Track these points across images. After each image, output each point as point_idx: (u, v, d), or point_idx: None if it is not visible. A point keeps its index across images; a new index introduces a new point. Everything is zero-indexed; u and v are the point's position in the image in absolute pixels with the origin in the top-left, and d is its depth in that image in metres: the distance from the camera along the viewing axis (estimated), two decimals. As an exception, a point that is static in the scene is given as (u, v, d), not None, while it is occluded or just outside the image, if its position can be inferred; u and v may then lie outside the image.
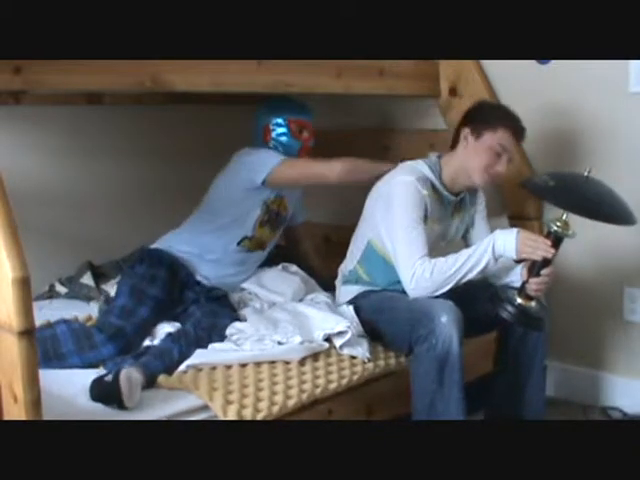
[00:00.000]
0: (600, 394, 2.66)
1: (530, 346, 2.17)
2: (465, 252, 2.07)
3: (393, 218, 2.12)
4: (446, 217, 2.26)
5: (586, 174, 1.96)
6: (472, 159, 2.16)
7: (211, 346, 2.08)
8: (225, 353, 2.04)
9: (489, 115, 2.19)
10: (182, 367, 1.96)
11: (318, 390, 1.92)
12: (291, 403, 1.85)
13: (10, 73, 1.69)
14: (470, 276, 2.05)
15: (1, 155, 2.61)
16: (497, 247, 2.02)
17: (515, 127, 2.17)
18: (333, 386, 1.96)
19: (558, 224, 1.95)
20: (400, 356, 2.19)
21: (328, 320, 2.16)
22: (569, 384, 2.69)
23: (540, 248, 1.97)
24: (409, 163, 2.23)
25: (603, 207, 1.95)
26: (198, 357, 2.00)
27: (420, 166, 2.20)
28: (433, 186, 2.19)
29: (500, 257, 2.04)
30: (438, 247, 2.26)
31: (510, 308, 2.01)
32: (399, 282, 2.13)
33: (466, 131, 2.18)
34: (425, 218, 2.13)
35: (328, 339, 2.14)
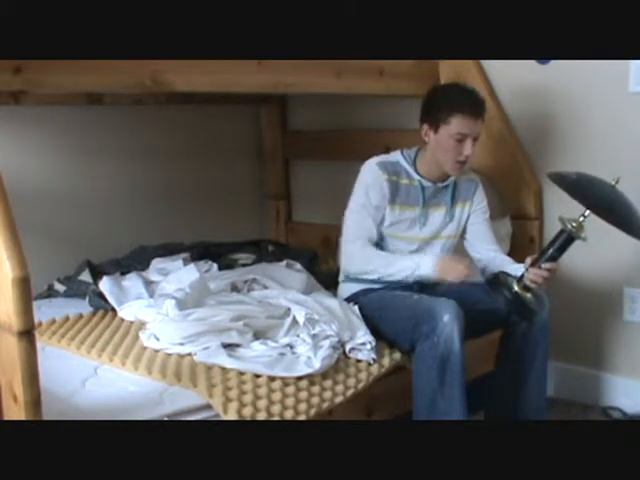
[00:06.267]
0: (600, 394, 2.66)
1: (531, 346, 2.17)
2: (395, 260, 2.18)
3: (350, 199, 2.25)
4: (421, 203, 2.24)
5: (614, 183, 1.96)
6: (438, 153, 2.18)
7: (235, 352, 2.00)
8: (242, 362, 1.95)
9: (441, 106, 2.15)
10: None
11: (325, 405, 1.88)
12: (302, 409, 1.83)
13: (10, 73, 1.70)
14: (388, 279, 2.19)
15: (1, 155, 2.62)
16: (419, 272, 2.14)
17: (469, 108, 2.12)
18: (339, 399, 1.92)
19: (573, 224, 1.96)
20: (403, 354, 2.18)
21: (352, 327, 2.12)
22: (569, 384, 2.70)
23: (458, 269, 2.09)
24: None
25: (628, 216, 1.95)
26: (211, 357, 1.95)
27: (394, 154, 2.27)
28: (406, 172, 2.24)
29: (419, 278, 2.17)
30: (423, 237, 2.27)
31: (506, 293, 2.06)
32: None
33: (425, 128, 2.20)
34: (393, 201, 2.20)
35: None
